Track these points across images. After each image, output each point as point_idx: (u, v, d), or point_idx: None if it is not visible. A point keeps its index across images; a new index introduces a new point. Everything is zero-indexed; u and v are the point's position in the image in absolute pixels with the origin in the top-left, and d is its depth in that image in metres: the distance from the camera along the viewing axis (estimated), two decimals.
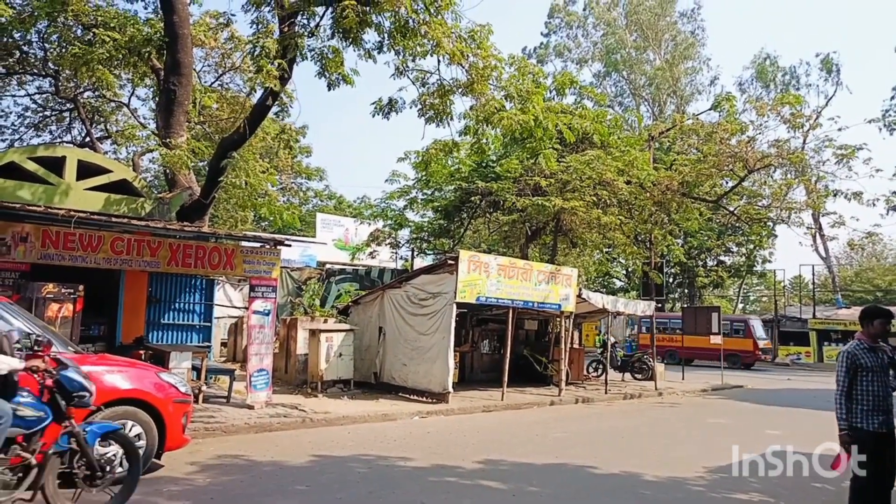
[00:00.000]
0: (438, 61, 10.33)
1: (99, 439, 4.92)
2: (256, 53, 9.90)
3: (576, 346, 17.99)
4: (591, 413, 12.98)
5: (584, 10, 45.76)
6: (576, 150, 18.16)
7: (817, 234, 36.50)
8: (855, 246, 22.37)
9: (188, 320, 12.65)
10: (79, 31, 13.44)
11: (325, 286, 23.67)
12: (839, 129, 20.75)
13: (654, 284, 25.95)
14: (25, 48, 16.39)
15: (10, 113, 21.31)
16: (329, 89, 10.32)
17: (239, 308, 18.16)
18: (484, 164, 20.21)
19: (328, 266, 25.54)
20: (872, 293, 42.09)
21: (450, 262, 12.66)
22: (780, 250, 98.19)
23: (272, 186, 24.09)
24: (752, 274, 42.29)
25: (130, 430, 5.94)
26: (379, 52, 10.32)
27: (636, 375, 19.19)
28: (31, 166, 10.52)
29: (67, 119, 20.97)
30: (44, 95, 20.16)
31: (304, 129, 30.85)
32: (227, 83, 19.54)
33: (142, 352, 9.92)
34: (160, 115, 11.88)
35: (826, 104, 37.63)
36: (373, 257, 24.14)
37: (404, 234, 24.56)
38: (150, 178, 23.70)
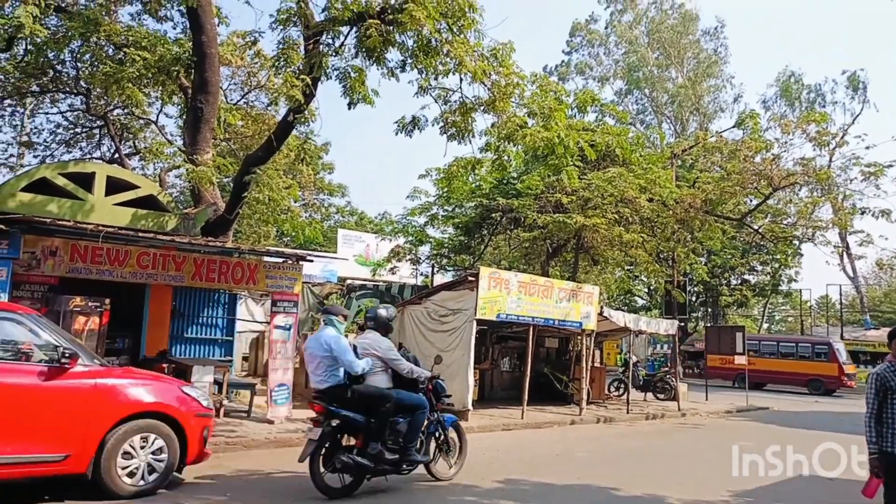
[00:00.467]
0: (461, 79, 10.37)
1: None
2: (281, 65, 10.07)
3: (597, 364, 17.79)
4: (612, 433, 12.81)
5: (606, 28, 45.76)
6: (597, 168, 18.12)
7: (845, 253, 35.77)
8: (884, 266, 21.95)
9: (211, 334, 12.73)
10: (110, 51, 13.74)
11: (345, 301, 23.72)
12: (866, 147, 20.52)
13: (676, 303, 25.60)
14: (59, 67, 16.77)
15: (43, 130, 21.75)
16: (349, 108, 10.43)
17: (261, 323, 18.26)
18: (505, 181, 20.22)
19: (349, 281, 25.59)
20: None
21: (470, 278, 12.65)
22: (807, 269, 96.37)
23: (294, 202, 24.30)
24: (777, 293, 41.47)
25: (153, 444, 6.00)
26: (402, 71, 10.41)
27: (658, 395, 18.91)
28: (62, 182, 10.71)
29: (97, 136, 21.36)
30: (75, 113, 20.58)
31: (327, 146, 31.25)
32: (252, 101, 19.85)
33: (165, 365, 9.99)
34: (187, 132, 12.08)
35: (853, 122, 37.07)
36: (393, 273, 24.18)
37: (425, 250, 24.58)
38: (176, 194, 24.02)
